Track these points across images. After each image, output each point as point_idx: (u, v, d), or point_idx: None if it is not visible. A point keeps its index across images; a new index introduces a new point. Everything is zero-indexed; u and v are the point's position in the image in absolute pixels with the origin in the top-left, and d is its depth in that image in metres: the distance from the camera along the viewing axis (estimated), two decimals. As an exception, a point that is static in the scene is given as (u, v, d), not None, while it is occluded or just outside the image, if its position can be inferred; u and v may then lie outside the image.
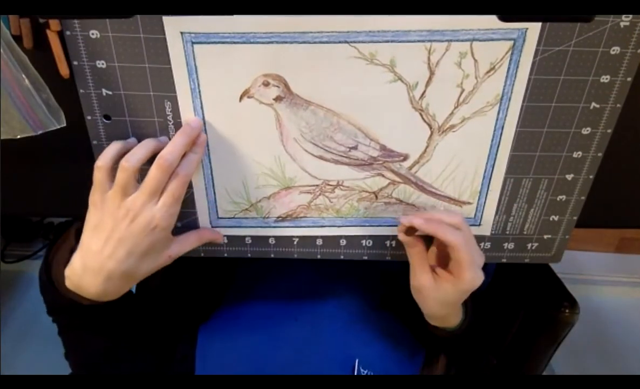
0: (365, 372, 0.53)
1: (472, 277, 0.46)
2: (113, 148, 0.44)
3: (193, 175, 0.48)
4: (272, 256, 0.54)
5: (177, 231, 0.52)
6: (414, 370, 0.57)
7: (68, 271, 0.46)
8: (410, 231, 0.48)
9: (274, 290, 0.63)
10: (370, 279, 0.65)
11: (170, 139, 0.44)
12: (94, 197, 0.44)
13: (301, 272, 0.54)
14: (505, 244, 0.54)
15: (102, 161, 0.43)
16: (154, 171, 0.42)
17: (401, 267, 0.52)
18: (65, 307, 0.49)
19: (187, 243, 0.50)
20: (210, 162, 0.48)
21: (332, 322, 0.58)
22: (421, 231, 0.47)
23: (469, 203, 0.51)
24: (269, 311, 0.60)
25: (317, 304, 0.60)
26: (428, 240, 0.50)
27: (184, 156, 0.44)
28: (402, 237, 0.49)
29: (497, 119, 0.46)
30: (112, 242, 0.43)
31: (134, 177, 0.43)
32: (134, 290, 0.60)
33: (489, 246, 0.54)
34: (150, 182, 0.43)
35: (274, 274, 0.65)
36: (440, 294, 0.48)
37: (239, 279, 0.67)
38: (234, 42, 0.41)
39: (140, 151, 0.43)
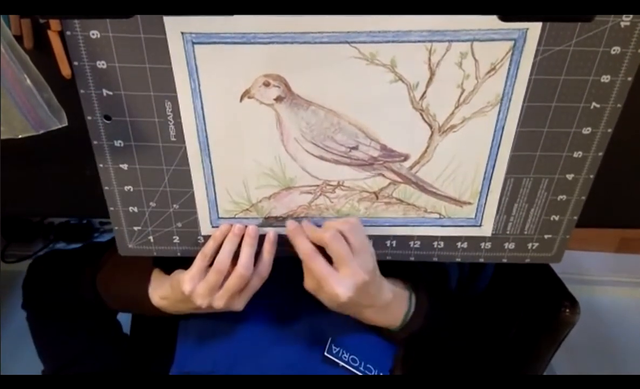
0: (337, 350, 0.54)
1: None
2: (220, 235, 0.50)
3: (193, 174, 0.48)
4: (273, 256, 0.54)
5: (178, 231, 0.52)
6: (388, 355, 0.57)
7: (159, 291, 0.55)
8: None
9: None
10: None
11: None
12: (194, 282, 0.49)
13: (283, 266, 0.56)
14: (506, 244, 0.54)
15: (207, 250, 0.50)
16: (234, 280, 0.49)
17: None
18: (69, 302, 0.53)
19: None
20: (210, 162, 0.48)
21: (309, 307, 0.59)
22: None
23: (470, 203, 0.51)
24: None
25: (296, 293, 0.60)
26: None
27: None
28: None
29: (497, 119, 0.46)
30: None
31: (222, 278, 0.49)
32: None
33: (489, 246, 0.54)
34: (231, 288, 0.49)
35: None
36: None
37: None
38: (235, 42, 0.41)
39: (226, 254, 0.49)
